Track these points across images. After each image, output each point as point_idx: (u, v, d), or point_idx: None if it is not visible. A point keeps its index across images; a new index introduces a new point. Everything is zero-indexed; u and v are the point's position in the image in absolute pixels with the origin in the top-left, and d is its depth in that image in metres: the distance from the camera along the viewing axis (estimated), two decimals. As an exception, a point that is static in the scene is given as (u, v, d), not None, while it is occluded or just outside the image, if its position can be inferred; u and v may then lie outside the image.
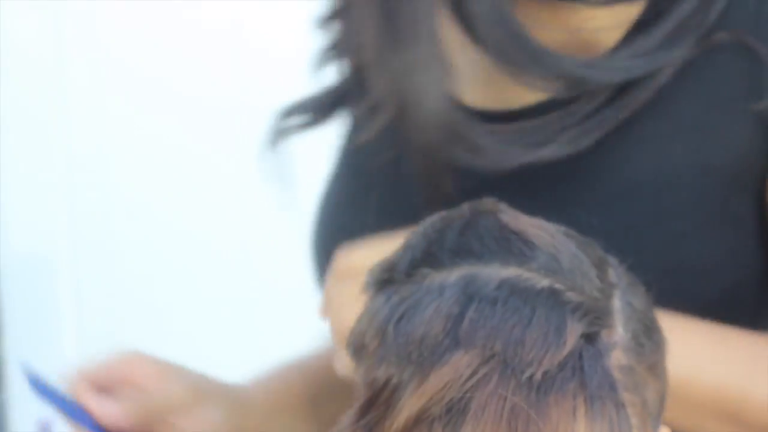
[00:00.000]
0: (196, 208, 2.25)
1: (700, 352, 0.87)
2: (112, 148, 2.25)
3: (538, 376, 0.63)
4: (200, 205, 2.25)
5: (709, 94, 0.90)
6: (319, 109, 1.01)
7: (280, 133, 1.01)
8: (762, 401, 0.86)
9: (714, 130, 0.90)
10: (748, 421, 0.87)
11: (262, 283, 2.14)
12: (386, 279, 0.69)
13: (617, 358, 0.66)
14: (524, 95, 0.92)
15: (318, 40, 1.00)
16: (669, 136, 0.90)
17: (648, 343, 0.68)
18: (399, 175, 0.95)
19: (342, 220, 1.00)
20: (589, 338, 0.65)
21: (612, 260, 0.70)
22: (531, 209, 0.72)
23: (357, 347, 0.68)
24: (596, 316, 0.66)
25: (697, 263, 0.89)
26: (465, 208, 0.70)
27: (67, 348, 2.26)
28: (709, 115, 0.90)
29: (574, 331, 0.64)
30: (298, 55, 1.04)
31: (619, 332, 0.67)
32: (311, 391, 1.05)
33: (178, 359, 1.03)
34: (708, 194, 0.89)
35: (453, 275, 0.66)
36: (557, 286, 0.66)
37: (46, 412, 0.95)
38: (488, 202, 0.70)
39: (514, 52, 0.88)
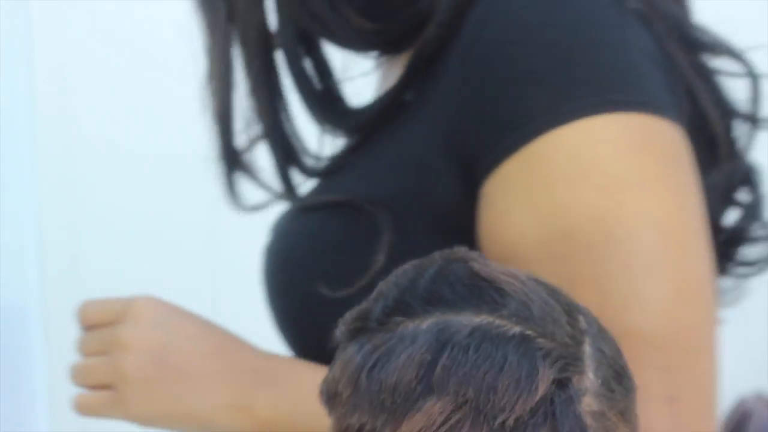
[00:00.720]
0: (167, 258, 2.25)
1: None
2: (82, 194, 2.24)
3: (511, 422, 0.63)
4: (172, 255, 2.24)
5: (433, 130, 0.89)
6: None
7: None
8: None
9: (429, 167, 0.89)
10: None
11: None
12: (359, 327, 0.70)
13: (588, 404, 0.66)
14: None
15: None
16: (392, 162, 0.92)
17: (618, 388, 0.69)
18: None
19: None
20: (561, 384, 0.65)
21: (582, 307, 0.71)
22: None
23: (330, 395, 0.69)
24: (567, 362, 0.66)
25: None
26: (436, 256, 0.71)
27: (39, 397, 2.24)
28: (427, 150, 0.89)
29: (545, 377, 0.65)
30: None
31: (590, 378, 0.67)
32: None
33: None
34: (412, 226, 0.89)
35: (425, 323, 0.67)
36: (528, 332, 0.66)
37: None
38: (460, 251, 0.71)
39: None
